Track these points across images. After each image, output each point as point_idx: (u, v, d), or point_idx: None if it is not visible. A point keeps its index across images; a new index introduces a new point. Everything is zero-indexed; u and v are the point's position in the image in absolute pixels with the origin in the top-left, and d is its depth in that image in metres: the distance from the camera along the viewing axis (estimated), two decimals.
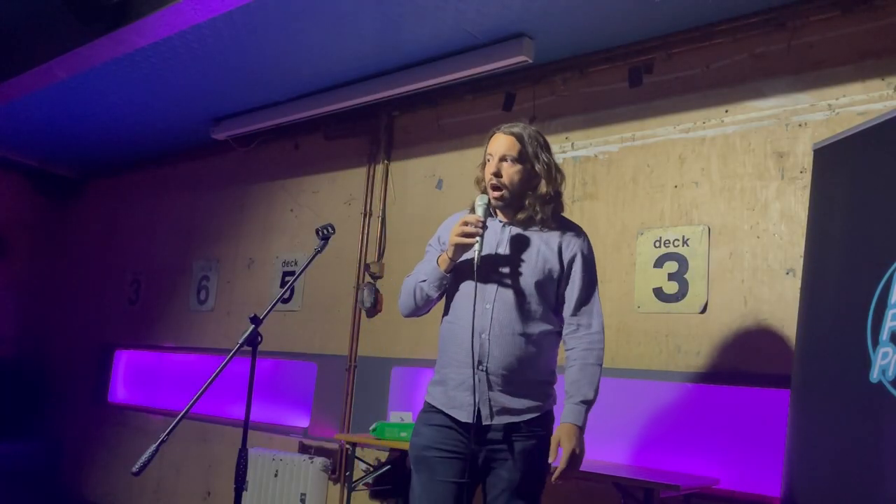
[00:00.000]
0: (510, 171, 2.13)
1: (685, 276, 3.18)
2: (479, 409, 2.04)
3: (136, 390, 6.00)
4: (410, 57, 3.82)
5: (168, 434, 1.99)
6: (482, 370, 2.05)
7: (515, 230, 2.17)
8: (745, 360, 2.98)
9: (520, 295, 2.09)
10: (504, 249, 2.14)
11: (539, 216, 2.14)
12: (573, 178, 3.65)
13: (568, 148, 3.70)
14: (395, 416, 3.67)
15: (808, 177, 2.83)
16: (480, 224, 2.07)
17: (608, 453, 3.21)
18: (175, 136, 5.42)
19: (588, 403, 2.06)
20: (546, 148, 2.18)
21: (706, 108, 3.27)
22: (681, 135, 3.33)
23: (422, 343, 4.04)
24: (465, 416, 2.06)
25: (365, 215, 4.46)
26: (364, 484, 3.86)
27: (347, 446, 3.82)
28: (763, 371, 2.91)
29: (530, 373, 2.09)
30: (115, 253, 6.27)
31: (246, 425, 2.22)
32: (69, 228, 6.91)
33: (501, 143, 2.14)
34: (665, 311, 3.22)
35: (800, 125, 3.00)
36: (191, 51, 3.90)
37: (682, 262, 3.20)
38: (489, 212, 2.13)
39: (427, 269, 2.22)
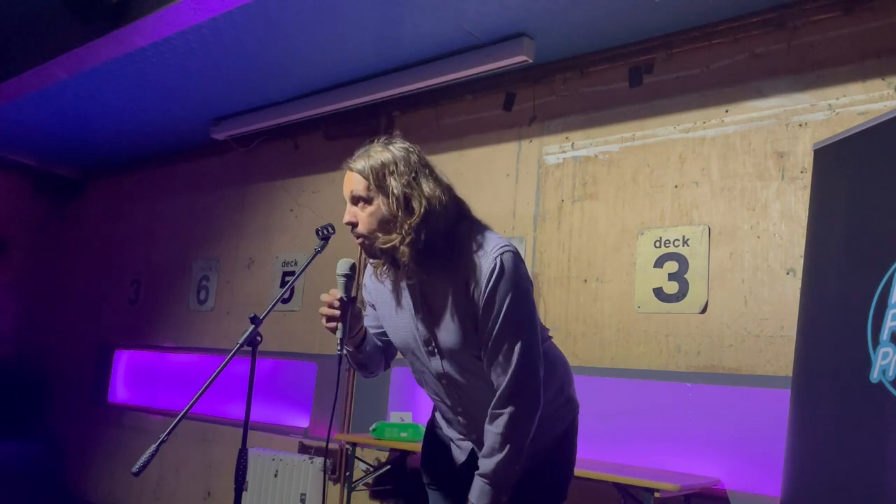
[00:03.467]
0: (362, 215, 1.68)
1: (685, 276, 3.18)
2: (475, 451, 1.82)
3: (136, 390, 6.00)
4: (410, 57, 3.82)
5: (168, 434, 1.98)
6: (471, 429, 1.83)
7: (413, 283, 1.73)
8: (745, 360, 2.98)
9: (464, 362, 1.72)
10: (407, 315, 1.77)
11: (424, 264, 1.65)
12: (573, 178, 3.65)
13: (568, 148, 3.70)
14: (395, 416, 3.67)
15: (808, 177, 2.83)
16: (337, 303, 1.73)
17: (608, 453, 3.21)
18: (175, 136, 5.42)
19: (487, 478, 1.67)
20: (406, 168, 1.66)
21: (706, 108, 3.27)
22: (681, 135, 3.33)
23: None
24: (461, 458, 1.88)
25: None
26: (364, 484, 3.86)
27: (347, 446, 3.81)
28: (763, 371, 2.91)
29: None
30: (115, 253, 6.27)
31: (246, 425, 2.22)
32: (69, 228, 6.91)
33: (346, 182, 1.71)
34: (665, 311, 3.22)
35: (800, 125, 3.00)
36: (191, 51, 3.90)
37: (683, 262, 3.20)
38: (351, 279, 1.78)
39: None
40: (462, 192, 4.16)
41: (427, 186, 1.66)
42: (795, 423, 2.38)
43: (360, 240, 1.71)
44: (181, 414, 2.03)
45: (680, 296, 3.18)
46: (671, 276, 3.22)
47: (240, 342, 2.17)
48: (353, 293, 1.76)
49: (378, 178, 1.65)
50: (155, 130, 5.33)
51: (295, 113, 4.48)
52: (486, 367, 1.67)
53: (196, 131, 5.19)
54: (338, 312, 1.73)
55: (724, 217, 3.13)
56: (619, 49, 3.52)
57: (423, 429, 3.52)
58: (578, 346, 3.45)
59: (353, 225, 1.70)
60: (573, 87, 3.73)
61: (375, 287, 1.90)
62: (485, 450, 1.67)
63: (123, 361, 6.16)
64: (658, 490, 2.63)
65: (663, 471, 3.02)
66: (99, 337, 6.24)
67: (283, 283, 4.84)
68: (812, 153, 2.69)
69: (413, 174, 1.66)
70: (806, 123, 2.99)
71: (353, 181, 1.69)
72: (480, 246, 1.65)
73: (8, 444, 6.14)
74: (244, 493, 2.29)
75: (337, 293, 1.74)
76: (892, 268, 2.06)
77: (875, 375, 2.03)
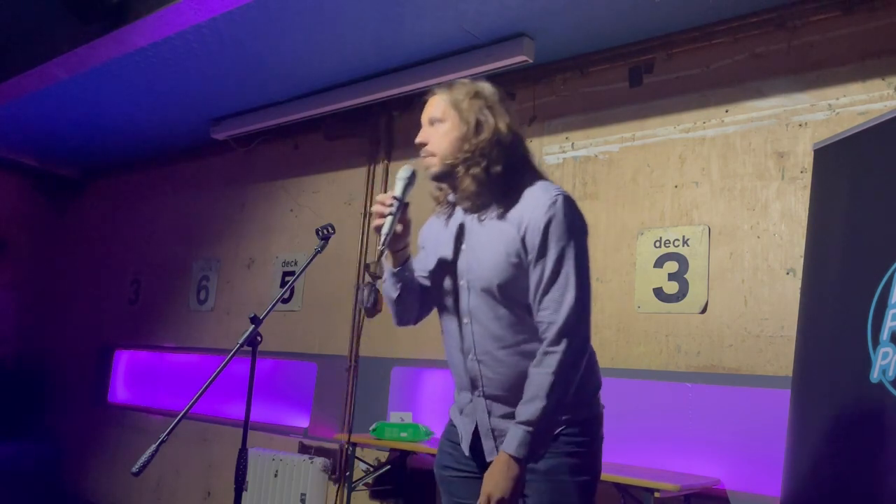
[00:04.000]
0: (435, 136, 1.75)
1: (685, 276, 3.18)
2: (482, 441, 1.77)
3: (136, 390, 6.00)
4: (410, 57, 3.82)
5: (168, 434, 1.98)
6: (479, 395, 1.78)
7: (467, 218, 1.79)
8: (745, 360, 2.98)
9: (490, 302, 1.72)
10: (450, 246, 1.80)
11: (481, 194, 1.72)
12: (573, 177, 3.65)
13: (568, 148, 3.70)
14: (395, 416, 3.67)
15: (808, 177, 2.83)
16: (391, 201, 1.75)
17: (608, 453, 3.21)
18: (175, 136, 5.42)
19: (531, 425, 1.59)
20: (482, 102, 1.75)
21: (706, 108, 3.27)
22: (681, 135, 3.33)
23: (422, 343, 4.04)
24: (467, 449, 1.81)
25: (365, 215, 4.46)
26: (364, 484, 3.86)
27: (347, 446, 3.81)
28: (763, 371, 2.91)
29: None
30: (115, 253, 6.28)
31: (246, 425, 2.22)
32: (69, 228, 6.91)
33: (427, 106, 1.79)
34: (665, 311, 3.22)
35: (800, 125, 3.00)
36: (191, 51, 3.90)
37: (683, 262, 3.20)
38: (408, 187, 1.78)
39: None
40: None
41: (500, 121, 1.74)
42: (795, 423, 2.38)
43: (426, 158, 1.76)
44: (181, 414, 2.03)
45: (680, 296, 3.18)
46: (671, 276, 3.22)
47: (240, 342, 2.18)
48: (407, 199, 1.79)
49: (455, 102, 1.74)
50: (155, 130, 5.33)
51: (295, 113, 4.48)
52: (535, 307, 1.66)
53: (196, 131, 5.19)
54: (387, 209, 1.75)
55: (724, 217, 3.13)
56: (619, 49, 3.52)
57: (423, 429, 3.55)
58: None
59: (423, 145, 1.76)
60: (573, 87, 3.73)
61: (430, 228, 1.94)
62: (527, 395, 1.62)
63: (123, 361, 6.17)
64: (658, 490, 2.63)
65: (663, 471, 3.02)
66: (99, 337, 6.24)
67: (283, 283, 4.84)
68: (812, 153, 2.69)
69: (489, 106, 1.75)
70: (806, 123, 2.99)
71: (431, 104, 1.78)
72: (538, 188, 1.70)
73: (8, 444, 6.14)
74: (244, 493, 2.29)
75: (394, 193, 1.77)
76: (892, 268, 2.06)
77: (875, 375, 2.03)
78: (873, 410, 2.01)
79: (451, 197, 1.85)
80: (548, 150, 3.77)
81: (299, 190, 4.92)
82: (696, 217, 3.22)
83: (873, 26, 2.87)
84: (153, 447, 1.96)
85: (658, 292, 3.25)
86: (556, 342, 1.61)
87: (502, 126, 1.74)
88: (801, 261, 2.74)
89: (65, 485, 6.10)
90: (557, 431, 1.67)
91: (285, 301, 4.71)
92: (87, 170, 6.67)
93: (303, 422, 4.57)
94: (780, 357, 2.86)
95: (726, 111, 3.21)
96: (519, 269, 1.67)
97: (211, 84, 4.37)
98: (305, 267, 2.57)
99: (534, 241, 1.64)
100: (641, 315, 3.28)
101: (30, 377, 6.58)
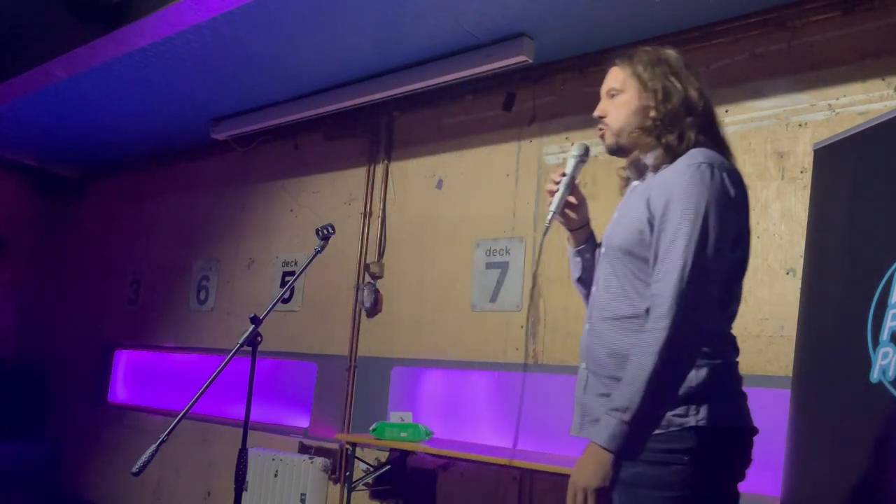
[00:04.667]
0: (613, 107, 1.68)
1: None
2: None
3: (136, 390, 6.00)
4: (410, 57, 3.82)
5: (168, 434, 1.99)
6: (584, 368, 1.68)
7: (633, 186, 1.70)
8: (745, 360, 2.96)
9: (610, 270, 1.62)
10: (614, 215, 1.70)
11: (643, 159, 1.63)
12: None
13: (568, 148, 3.69)
14: (395, 416, 3.67)
15: (808, 177, 2.83)
16: (558, 178, 1.72)
17: None
18: (175, 136, 5.42)
19: (623, 412, 1.40)
20: (666, 68, 1.66)
21: None
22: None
23: (422, 343, 4.04)
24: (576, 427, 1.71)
25: (365, 215, 4.46)
26: (364, 484, 3.86)
27: (347, 446, 3.82)
28: (763, 371, 2.90)
29: (616, 367, 1.56)
30: (115, 253, 6.27)
31: (246, 425, 2.22)
32: (69, 228, 6.91)
33: (607, 77, 1.74)
34: None
35: (800, 125, 3.00)
36: (191, 51, 3.90)
37: None
38: (579, 164, 1.75)
39: None
40: (462, 192, 4.15)
41: (689, 87, 1.64)
42: (795, 423, 2.38)
43: (603, 130, 1.70)
44: (181, 414, 2.04)
45: None
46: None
47: (240, 342, 2.18)
48: (577, 176, 1.76)
49: (635, 70, 1.66)
50: (155, 130, 5.33)
51: (295, 113, 4.48)
52: (652, 280, 1.49)
53: (196, 131, 5.19)
54: (554, 186, 1.72)
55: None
56: (619, 49, 3.51)
57: (423, 429, 3.55)
58: (578, 346, 3.45)
59: (601, 118, 1.69)
60: (573, 87, 3.73)
61: None
62: (625, 377, 1.43)
63: (123, 361, 6.16)
64: None
65: None
66: (99, 337, 6.24)
67: (283, 283, 4.84)
68: (812, 153, 2.69)
69: (675, 72, 1.65)
70: (806, 123, 2.98)
71: (610, 75, 1.71)
72: (689, 154, 1.54)
73: (8, 444, 6.14)
74: (244, 493, 2.29)
75: (564, 170, 1.74)
76: (893, 268, 2.06)
77: (875, 375, 2.03)
78: (873, 410, 2.01)
79: (627, 172, 1.74)
80: (548, 150, 3.77)
81: (299, 190, 4.92)
82: None
83: (873, 26, 2.87)
84: (153, 447, 1.97)
85: None
86: (659, 319, 1.42)
87: (692, 92, 1.63)
88: (801, 261, 2.74)
89: (65, 485, 6.10)
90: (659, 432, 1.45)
91: (285, 301, 4.71)
92: (87, 170, 6.67)
93: (303, 422, 4.57)
94: (780, 357, 2.86)
95: (726, 111, 3.21)
96: (642, 237, 1.54)
97: (211, 84, 4.37)
98: (305, 267, 2.57)
99: (657, 210, 1.51)
100: None
101: (30, 377, 6.57)
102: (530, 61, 3.51)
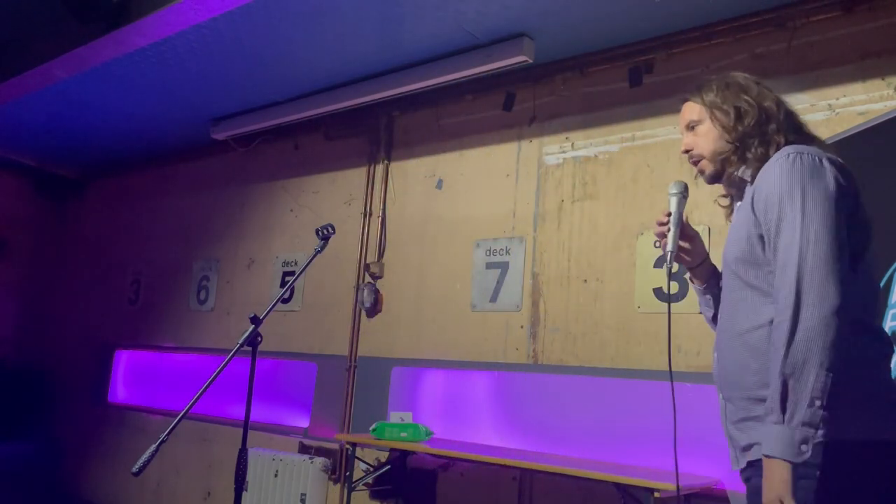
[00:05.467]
0: (697, 139, 1.70)
1: (686, 276, 3.17)
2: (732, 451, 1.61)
3: (136, 390, 6.00)
4: (410, 57, 3.82)
5: (168, 434, 1.99)
6: (721, 396, 1.61)
7: (738, 206, 1.68)
8: None
9: (730, 285, 1.59)
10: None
11: (737, 177, 1.64)
12: (573, 178, 3.65)
13: (568, 148, 3.70)
14: (394, 416, 3.67)
15: None
16: (666, 219, 1.73)
17: (608, 453, 3.21)
18: (175, 136, 5.42)
19: (773, 413, 1.33)
20: (736, 89, 1.66)
21: None
22: (681, 135, 3.33)
23: (422, 343, 4.04)
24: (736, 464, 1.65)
25: (365, 215, 4.46)
26: (364, 484, 3.86)
27: (347, 446, 3.81)
28: None
29: (753, 385, 1.47)
30: (115, 253, 6.27)
31: (246, 425, 2.22)
32: (69, 228, 6.91)
33: (683, 113, 1.75)
34: (665, 311, 3.21)
35: None
36: (191, 51, 3.90)
37: None
38: (682, 200, 1.76)
39: None
40: (462, 192, 4.15)
41: (764, 100, 1.64)
42: None
43: (696, 163, 1.71)
44: (181, 414, 2.04)
45: (680, 296, 3.18)
46: (672, 276, 3.21)
47: (240, 342, 2.18)
48: (683, 213, 1.76)
49: (707, 99, 1.68)
50: (155, 130, 5.33)
51: (295, 113, 4.48)
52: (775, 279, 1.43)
53: (196, 131, 5.19)
54: (663, 228, 1.72)
55: (724, 217, 3.12)
56: (618, 49, 3.52)
57: (423, 429, 3.55)
58: (578, 346, 3.45)
59: (689, 151, 1.72)
60: (573, 87, 3.73)
61: None
62: (770, 380, 1.37)
63: (123, 361, 6.16)
64: (658, 490, 2.63)
65: (663, 471, 3.02)
66: (99, 337, 6.24)
67: (283, 283, 4.83)
68: None
69: (744, 90, 1.65)
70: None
71: (685, 110, 1.73)
72: (782, 151, 1.53)
73: (8, 444, 6.14)
74: (244, 493, 2.29)
75: (669, 210, 1.74)
76: (892, 268, 2.06)
77: None
78: None
79: (729, 195, 1.75)
80: (548, 150, 3.77)
81: (299, 190, 4.92)
82: (696, 217, 3.22)
83: (873, 26, 2.87)
84: (153, 447, 1.97)
85: (658, 292, 3.25)
86: (783, 310, 1.36)
87: (768, 104, 1.63)
88: None
89: (65, 485, 6.10)
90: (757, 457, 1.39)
91: (285, 301, 4.71)
92: (87, 170, 6.67)
93: (303, 422, 4.57)
94: None
95: None
96: (755, 245, 1.50)
97: (211, 84, 4.37)
98: (305, 267, 2.57)
99: (761, 211, 1.49)
100: (641, 315, 3.28)
101: (30, 377, 6.57)
102: (530, 61, 3.51)
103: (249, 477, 4.27)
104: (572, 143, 3.68)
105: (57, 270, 6.85)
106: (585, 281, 3.50)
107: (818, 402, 1.30)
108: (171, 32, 3.65)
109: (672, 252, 1.71)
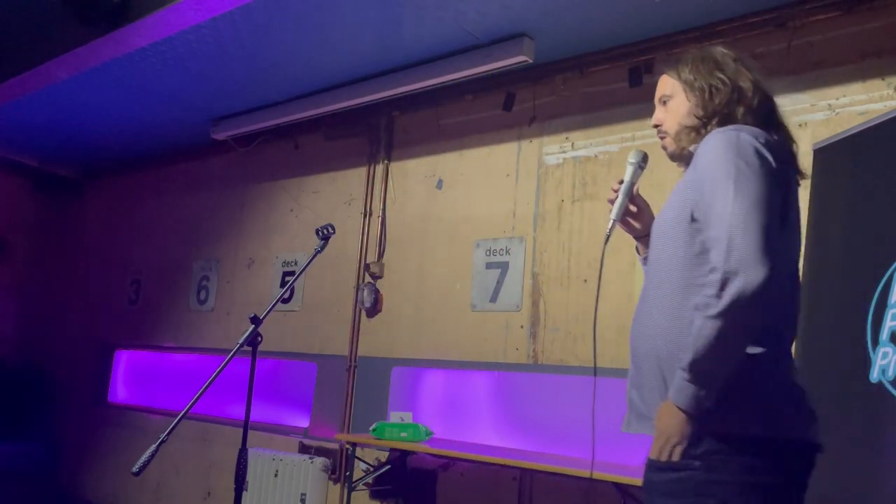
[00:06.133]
0: (667, 114, 1.69)
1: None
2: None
3: (136, 390, 6.00)
4: (410, 57, 3.82)
5: (168, 434, 1.99)
6: (633, 363, 1.63)
7: None
8: None
9: (658, 255, 1.59)
10: None
11: (689, 152, 1.61)
12: (573, 178, 3.65)
13: (568, 148, 3.70)
14: (395, 416, 3.67)
15: (808, 177, 2.83)
16: (617, 186, 1.75)
17: (608, 453, 3.21)
18: (175, 136, 5.42)
19: (687, 372, 1.36)
20: (712, 65, 1.62)
21: None
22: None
23: (422, 343, 4.04)
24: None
25: (365, 215, 4.46)
26: (364, 484, 3.86)
27: (347, 446, 3.82)
28: None
29: (666, 355, 1.47)
30: (115, 253, 6.27)
31: (246, 425, 2.22)
32: (69, 228, 6.91)
33: (658, 86, 1.73)
34: None
35: (800, 125, 3.00)
36: (191, 51, 3.90)
37: None
38: (637, 170, 1.78)
39: None
40: (462, 192, 4.14)
41: (740, 78, 1.60)
42: None
43: (663, 137, 1.70)
44: (181, 414, 2.04)
45: None
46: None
47: (240, 342, 2.18)
48: (636, 183, 1.78)
49: (681, 74, 1.65)
50: (155, 130, 5.33)
51: (295, 113, 4.48)
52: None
53: (196, 131, 5.19)
54: (613, 194, 1.75)
55: None
56: (619, 49, 3.52)
57: (423, 429, 3.55)
58: (578, 346, 3.45)
59: (658, 126, 1.71)
60: (573, 87, 3.73)
61: None
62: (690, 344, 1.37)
63: (123, 361, 6.17)
64: None
65: None
66: (99, 337, 6.24)
67: (283, 283, 4.83)
68: (812, 153, 2.69)
69: (720, 67, 1.61)
70: (806, 123, 2.98)
71: (660, 83, 1.71)
72: (725, 127, 1.51)
73: (8, 444, 6.13)
74: (244, 493, 2.29)
75: (622, 178, 1.76)
76: (892, 268, 2.06)
77: (875, 375, 2.03)
78: (873, 410, 2.01)
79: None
80: (548, 150, 3.77)
81: (299, 190, 4.92)
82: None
83: (873, 26, 2.87)
84: (153, 447, 1.97)
85: None
86: (711, 272, 1.37)
87: (744, 83, 1.58)
88: (801, 261, 2.74)
89: (65, 485, 6.10)
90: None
91: (285, 301, 4.71)
92: (87, 170, 6.67)
93: (303, 422, 4.57)
94: None
95: None
96: (683, 214, 1.51)
97: (211, 84, 4.37)
98: (305, 267, 2.57)
99: (695, 182, 1.49)
100: None
101: (30, 377, 6.57)
102: (530, 61, 3.51)
103: (249, 477, 4.27)
104: (572, 143, 3.68)
105: (57, 270, 6.85)
106: (585, 281, 3.50)
107: (722, 372, 1.34)
108: (171, 32, 3.65)
109: (615, 220, 1.74)
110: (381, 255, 4.37)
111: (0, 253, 6.60)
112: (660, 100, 1.71)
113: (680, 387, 1.37)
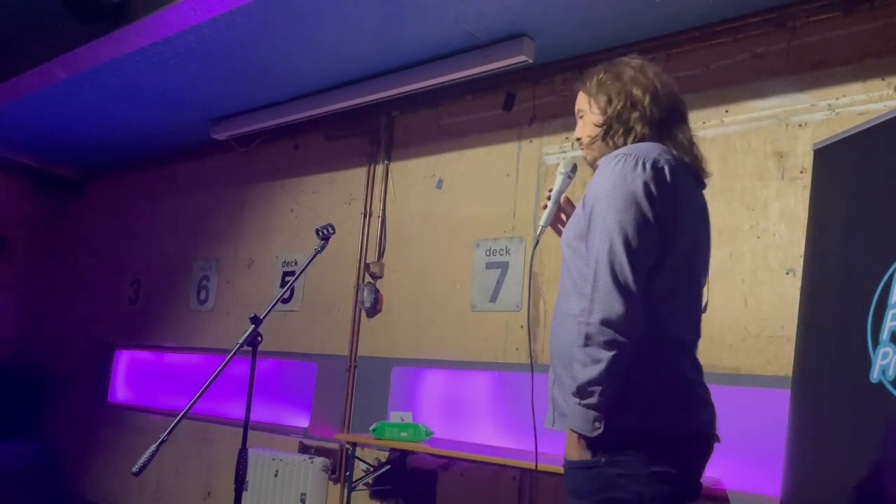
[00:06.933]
0: (582, 127, 1.78)
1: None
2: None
3: (136, 390, 6.00)
4: (410, 57, 3.82)
5: (168, 434, 1.99)
6: (552, 366, 1.71)
7: None
8: (745, 360, 2.98)
9: (566, 266, 1.68)
10: None
11: (597, 164, 1.69)
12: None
13: (568, 148, 3.70)
14: (395, 416, 3.67)
15: (808, 177, 2.83)
16: (548, 194, 1.84)
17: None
18: (175, 136, 5.42)
19: (579, 400, 1.48)
20: (613, 75, 1.72)
21: (706, 108, 3.27)
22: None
23: (422, 343, 4.04)
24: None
25: (365, 215, 4.46)
26: (364, 484, 3.86)
27: (347, 446, 3.82)
28: (763, 371, 2.91)
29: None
30: (115, 253, 6.28)
31: (246, 425, 2.22)
32: (69, 228, 6.91)
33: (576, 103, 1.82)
34: None
35: (800, 125, 3.00)
36: (191, 51, 3.90)
37: None
38: (566, 179, 1.86)
39: None
40: (462, 192, 4.14)
41: (634, 87, 1.67)
42: (795, 423, 2.38)
43: (582, 149, 1.79)
44: (181, 414, 2.04)
45: None
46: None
47: (240, 342, 2.18)
48: (566, 192, 1.87)
49: (587, 88, 1.76)
50: (155, 130, 5.33)
51: (295, 113, 4.48)
52: None
53: (196, 131, 5.19)
54: (544, 201, 1.85)
55: (724, 217, 3.13)
56: (619, 49, 3.52)
57: (423, 429, 3.55)
58: None
59: (579, 139, 1.79)
60: (573, 87, 3.71)
61: None
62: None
63: (123, 361, 6.17)
64: None
65: None
66: (99, 337, 6.24)
67: (283, 283, 4.84)
68: (812, 153, 2.69)
69: (617, 76, 1.70)
70: (806, 123, 2.98)
71: (577, 100, 1.81)
72: (619, 149, 1.60)
73: (8, 444, 6.14)
74: (244, 493, 2.29)
75: (552, 186, 1.86)
76: (892, 268, 2.06)
77: (875, 375, 2.03)
78: (873, 410, 2.01)
79: None
80: (548, 150, 3.77)
81: (299, 190, 4.92)
82: None
83: (873, 26, 2.87)
84: (153, 447, 1.97)
85: None
86: (582, 310, 1.51)
87: (635, 90, 1.67)
88: (801, 261, 2.74)
89: (65, 485, 6.10)
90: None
91: (285, 301, 4.71)
92: (87, 170, 6.67)
93: (303, 422, 4.57)
94: (780, 357, 2.86)
95: (726, 111, 3.21)
96: (579, 232, 1.61)
97: (211, 84, 4.37)
98: (305, 267, 2.57)
99: (587, 206, 1.59)
100: None
101: (30, 377, 6.58)
102: (530, 61, 3.51)
103: (249, 477, 4.27)
104: (572, 143, 3.68)
105: (57, 270, 6.85)
106: None
107: (606, 391, 1.45)
108: (171, 32, 3.65)
109: (544, 226, 1.84)
110: (381, 255, 4.37)
111: (0, 253, 6.60)
112: (577, 114, 1.81)
113: (575, 413, 1.49)
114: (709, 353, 3.08)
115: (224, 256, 5.31)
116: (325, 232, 2.49)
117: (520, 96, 3.90)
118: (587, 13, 3.24)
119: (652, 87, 1.67)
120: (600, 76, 1.73)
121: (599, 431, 1.45)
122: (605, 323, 1.45)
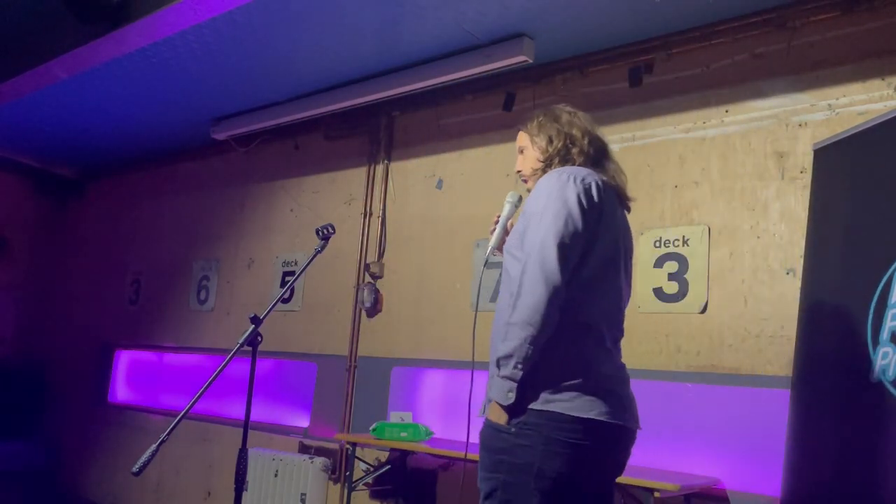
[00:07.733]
0: (524, 161, 2.10)
1: (685, 276, 3.18)
2: None
3: (136, 390, 6.00)
4: (410, 57, 3.82)
5: (168, 434, 1.99)
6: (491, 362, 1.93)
7: None
8: (745, 360, 2.98)
9: (506, 270, 1.95)
10: None
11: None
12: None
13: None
14: (395, 416, 3.67)
15: (808, 177, 2.83)
16: (496, 218, 2.13)
17: None
18: (175, 136, 5.42)
19: (500, 372, 1.75)
20: (551, 118, 2.06)
21: (706, 108, 3.27)
22: (681, 135, 3.33)
23: (422, 343, 4.04)
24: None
25: (365, 215, 4.46)
26: (364, 484, 3.86)
27: (347, 446, 3.82)
28: (763, 371, 2.91)
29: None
30: (115, 253, 6.28)
31: (246, 425, 2.22)
32: (69, 228, 6.91)
33: (517, 141, 2.14)
34: (665, 311, 3.22)
35: (800, 125, 3.00)
36: (191, 51, 3.90)
37: (683, 262, 3.20)
38: (513, 207, 2.16)
39: None
40: (462, 192, 4.15)
41: (573, 128, 2.01)
42: (795, 423, 2.38)
43: (525, 180, 2.09)
44: (181, 414, 2.04)
45: (680, 296, 3.18)
46: (671, 276, 3.22)
47: (240, 342, 2.18)
48: (511, 219, 2.13)
49: (528, 128, 2.08)
50: (155, 130, 5.34)
51: (295, 113, 4.48)
52: None
53: (196, 131, 5.19)
54: (491, 226, 2.13)
55: (724, 217, 3.13)
56: (619, 49, 3.52)
57: (423, 429, 3.55)
58: None
59: (519, 172, 2.11)
60: (573, 87, 3.73)
61: None
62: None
63: (123, 361, 6.17)
64: (658, 490, 2.63)
65: (663, 471, 3.02)
66: (99, 337, 6.24)
67: (283, 283, 4.84)
68: (812, 153, 2.69)
69: (556, 119, 2.04)
70: (806, 123, 2.99)
71: (518, 139, 2.12)
72: (558, 168, 1.94)
73: (8, 444, 6.14)
74: (244, 493, 2.29)
75: (499, 213, 2.14)
76: (892, 268, 2.06)
77: (875, 375, 2.03)
78: (873, 410, 2.01)
79: None
80: None
81: (299, 190, 4.92)
82: (696, 217, 3.22)
83: (873, 26, 2.87)
84: (153, 447, 1.97)
85: (658, 292, 3.25)
86: (513, 296, 1.78)
87: (574, 131, 2.01)
88: (801, 261, 2.74)
89: (65, 485, 6.10)
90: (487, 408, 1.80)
91: (285, 301, 4.71)
92: (87, 170, 6.67)
93: (303, 422, 4.57)
94: (780, 357, 2.86)
95: (726, 111, 3.21)
96: (520, 239, 1.87)
97: (211, 84, 4.37)
98: (305, 267, 2.57)
99: (527, 211, 1.88)
100: (641, 315, 3.28)
101: (30, 377, 6.58)
102: (530, 61, 3.51)
103: (249, 477, 4.27)
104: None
105: (57, 270, 6.85)
106: None
107: (519, 365, 1.71)
108: (171, 32, 3.65)
109: (492, 248, 2.12)
110: (381, 255, 4.37)
111: (0, 253, 6.60)
112: (518, 150, 2.11)
113: (495, 385, 1.76)
114: (709, 353, 3.08)
115: (224, 256, 5.31)
116: (325, 232, 2.49)
117: (520, 96, 3.90)
118: (587, 13, 3.24)
119: (586, 129, 2.02)
120: (540, 119, 2.06)
121: (512, 401, 1.71)
122: (528, 306, 1.71)
